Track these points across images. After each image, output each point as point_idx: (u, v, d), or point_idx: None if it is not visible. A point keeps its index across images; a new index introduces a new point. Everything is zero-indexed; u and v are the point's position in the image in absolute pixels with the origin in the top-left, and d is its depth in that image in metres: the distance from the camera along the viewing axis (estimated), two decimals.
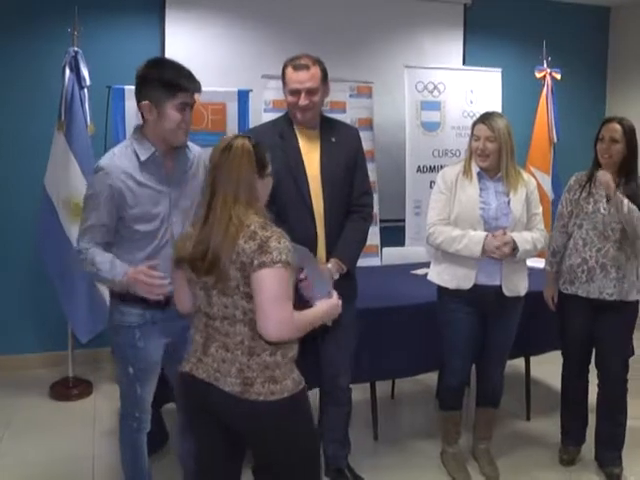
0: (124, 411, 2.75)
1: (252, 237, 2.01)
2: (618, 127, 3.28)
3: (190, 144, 2.71)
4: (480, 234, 3.08)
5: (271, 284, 1.98)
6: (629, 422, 3.46)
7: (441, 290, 3.29)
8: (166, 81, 2.45)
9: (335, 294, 2.28)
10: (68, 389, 4.46)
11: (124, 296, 2.54)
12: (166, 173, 2.57)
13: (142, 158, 2.50)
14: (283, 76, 2.92)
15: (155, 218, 2.53)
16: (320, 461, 2.36)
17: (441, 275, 3.27)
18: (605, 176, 3.21)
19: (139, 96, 2.50)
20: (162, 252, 2.55)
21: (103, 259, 2.46)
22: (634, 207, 3.18)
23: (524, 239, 3.13)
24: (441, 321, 3.32)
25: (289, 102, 2.92)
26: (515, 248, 3.07)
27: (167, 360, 2.71)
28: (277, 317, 1.99)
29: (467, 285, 3.15)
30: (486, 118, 3.14)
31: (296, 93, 2.89)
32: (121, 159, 2.50)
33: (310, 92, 2.88)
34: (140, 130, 2.57)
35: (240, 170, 2.06)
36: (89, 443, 3.70)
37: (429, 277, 3.37)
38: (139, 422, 2.73)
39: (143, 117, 2.53)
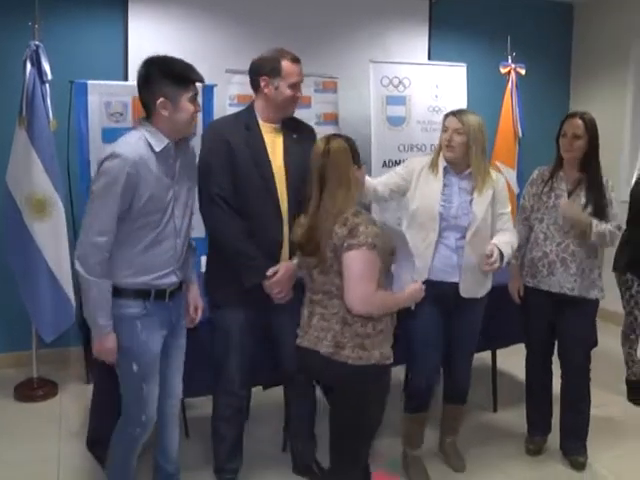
0: (127, 419, 2.68)
1: (344, 223, 2.36)
2: (580, 122, 3.31)
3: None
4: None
5: (356, 264, 2.33)
6: (592, 411, 3.51)
7: None
8: (178, 75, 2.48)
9: (419, 282, 2.60)
10: (33, 390, 4.38)
11: (122, 290, 2.53)
12: (171, 165, 2.58)
13: (157, 149, 2.50)
14: (276, 68, 2.87)
15: (161, 210, 2.53)
16: (374, 435, 2.62)
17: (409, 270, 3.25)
18: (569, 211, 3.25)
19: (149, 95, 2.49)
20: (164, 243, 2.57)
21: (107, 303, 2.48)
22: (603, 228, 3.24)
23: (505, 240, 3.12)
24: (404, 323, 3.29)
25: (287, 95, 2.89)
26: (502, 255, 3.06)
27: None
28: (360, 293, 2.33)
29: (420, 277, 3.05)
30: (458, 112, 3.14)
31: (295, 86, 2.90)
32: (138, 147, 2.47)
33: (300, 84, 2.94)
34: (148, 121, 2.54)
35: (341, 165, 2.46)
36: (54, 445, 3.64)
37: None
38: (143, 428, 2.67)
39: (149, 113, 2.53)
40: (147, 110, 2.53)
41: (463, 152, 3.09)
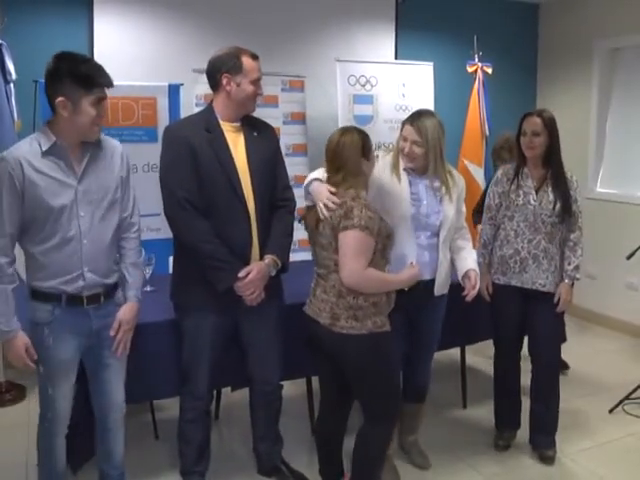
0: (40, 412, 2.72)
1: (342, 205, 2.65)
2: (538, 120, 3.35)
3: (105, 138, 2.66)
4: (317, 174, 3.01)
5: (349, 242, 2.61)
6: (561, 405, 3.55)
7: None
8: (81, 76, 2.40)
9: (416, 266, 2.87)
10: (0, 394, 4.33)
11: (33, 293, 2.53)
12: (73, 166, 2.51)
13: (44, 148, 2.45)
14: (237, 65, 2.83)
15: (55, 208, 2.46)
16: (398, 392, 2.96)
17: None
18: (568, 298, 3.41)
19: (51, 92, 2.43)
20: (69, 245, 2.50)
21: (6, 307, 2.49)
22: (573, 274, 3.41)
23: (474, 259, 3.25)
24: None
25: (249, 92, 2.86)
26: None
27: (88, 363, 2.71)
28: (351, 268, 2.61)
29: None
30: (415, 119, 3.03)
31: (256, 82, 2.88)
32: (23, 148, 2.45)
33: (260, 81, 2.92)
34: (48, 123, 2.51)
35: (350, 156, 2.73)
36: (22, 450, 3.58)
37: None
38: (50, 424, 2.69)
39: (54, 111, 2.47)
40: (51, 108, 2.48)
41: (423, 160, 3.05)
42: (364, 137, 2.81)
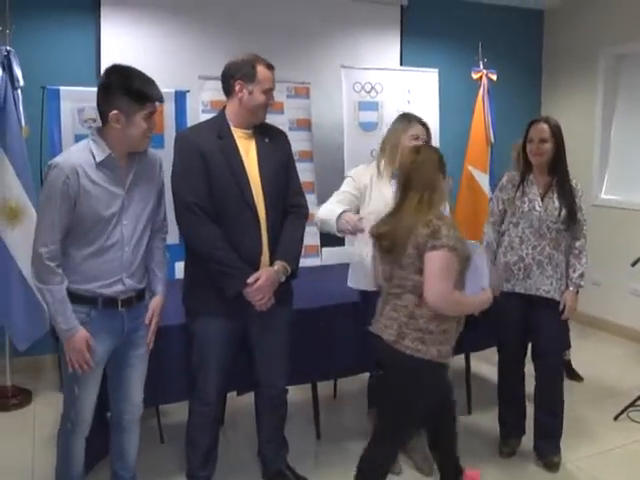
0: (63, 412, 2.75)
1: (427, 224, 2.57)
2: (545, 127, 3.37)
3: (151, 150, 2.75)
4: (339, 210, 3.11)
5: (437, 263, 2.54)
6: (565, 411, 3.55)
7: (367, 293, 3.30)
8: (135, 91, 2.47)
9: (489, 290, 2.78)
10: (6, 399, 4.34)
11: (70, 295, 2.55)
12: (122, 176, 2.58)
13: (98, 159, 2.51)
14: (251, 73, 2.86)
15: (104, 218, 2.54)
16: (419, 424, 2.97)
17: (352, 278, 3.31)
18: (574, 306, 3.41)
19: (105, 105, 2.50)
20: (110, 251, 2.58)
21: (63, 307, 2.51)
22: (577, 281, 3.41)
23: None
24: (363, 321, 3.31)
25: (261, 101, 2.88)
26: None
27: (111, 362, 2.75)
28: (439, 289, 2.55)
29: (373, 286, 3.14)
30: (422, 120, 3.25)
31: (268, 92, 2.90)
32: (77, 156, 2.51)
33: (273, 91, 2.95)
34: (99, 132, 2.57)
35: (427, 173, 2.68)
36: (28, 454, 3.61)
37: (350, 284, 3.35)
38: (73, 424, 2.72)
39: (104, 121, 2.53)
40: (102, 119, 2.54)
41: None
42: (439, 153, 2.79)
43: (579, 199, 3.43)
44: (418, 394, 2.70)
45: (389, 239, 2.69)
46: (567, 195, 3.37)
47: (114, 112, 2.47)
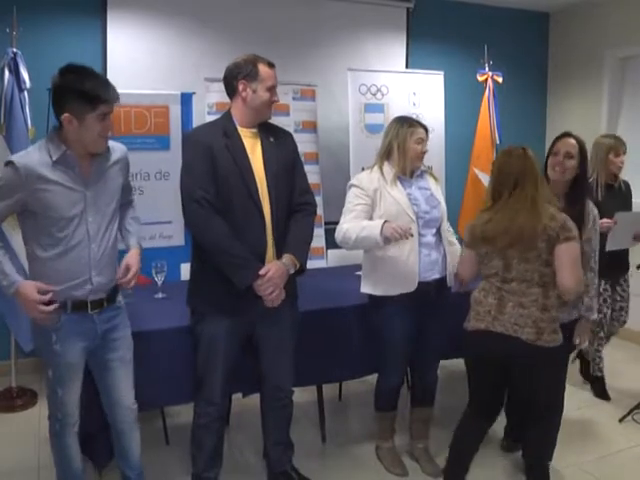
0: (49, 413, 2.77)
1: (553, 218, 2.75)
2: (574, 142, 3.16)
3: (113, 144, 2.71)
4: (378, 222, 3.09)
5: (572, 252, 2.75)
6: (571, 414, 3.56)
7: (378, 297, 3.29)
8: (86, 93, 2.42)
9: None
10: (12, 400, 4.36)
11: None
12: (82, 173, 2.56)
13: (54, 157, 2.49)
14: (253, 72, 2.87)
15: (66, 216, 2.52)
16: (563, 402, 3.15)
17: (378, 285, 3.27)
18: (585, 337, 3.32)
19: (57, 107, 2.47)
20: (75, 249, 2.56)
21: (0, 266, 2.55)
22: (587, 315, 3.21)
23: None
24: (377, 325, 3.33)
25: (265, 99, 2.90)
26: None
27: (93, 366, 2.77)
28: (577, 275, 2.76)
29: (411, 287, 3.17)
30: (422, 124, 3.31)
31: (272, 89, 2.91)
32: (32, 156, 2.49)
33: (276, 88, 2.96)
34: (56, 131, 2.54)
35: (534, 169, 2.85)
36: (34, 455, 3.62)
37: (363, 290, 3.33)
38: (61, 425, 2.74)
39: (59, 123, 2.51)
40: (57, 120, 2.52)
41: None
42: (531, 151, 2.91)
43: (589, 230, 3.16)
44: (562, 378, 3.06)
45: (507, 236, 2.79)
46: (580, 227, 3.03)
47: (66, 115, 2.44)
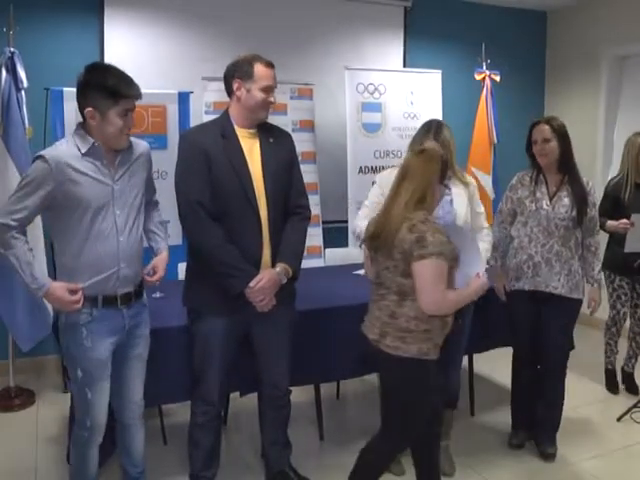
0: (76, 422, 2.74)
1: (411, 229, 2.52)
2: (546, 127, 3.41)
3: (135, 141, 2.76)
4: None
5: (428, 272, 2.51)
6: (575, 412, 3.56)
7: None
8: (109, 88, 2.48)
9: (485, 275, 2.73)
10: (9, 399, 4.35)
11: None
12: (109, 167, 2.60)
13: (83, 150, 2.54)
14: (248, 71, 2.86)
15: (94, 208, 2.55)
16: (421, 422, 2.78)
17: None
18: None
19: (82, 102, 2.54)
20: (105, 242, 2.59)
21: (28, 262, 2.53)
22: (598, 277, 3.52)
23: (486, 250, 3.34)
24: None
25: (259, 99, 2.87)
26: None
27: (115, 362, 2.74)
28: (432, 297, 2.53)
29: None
30: (437, 133, 3.21)
31: (268, 90, 2.89)
32: (61, 149, 2.55)
33: (273, 89, 2.94)
34: (82, 126, 2.59)
35: (425, 170, 2.63)
36: (31, 456, 3.62)
37: None
38: (90, 432, 2.71)
39: (84, 118, 2.56)
40: (82, 116, 2.57)
41: None
42: (444, 158, 2.72)
43: (592, 196, 3.47)
44: (405, 390, 2.70)
45: (378, 239, 2.67)
46: (577, 193, 3.40)
47: (88, 109, 2.50)
